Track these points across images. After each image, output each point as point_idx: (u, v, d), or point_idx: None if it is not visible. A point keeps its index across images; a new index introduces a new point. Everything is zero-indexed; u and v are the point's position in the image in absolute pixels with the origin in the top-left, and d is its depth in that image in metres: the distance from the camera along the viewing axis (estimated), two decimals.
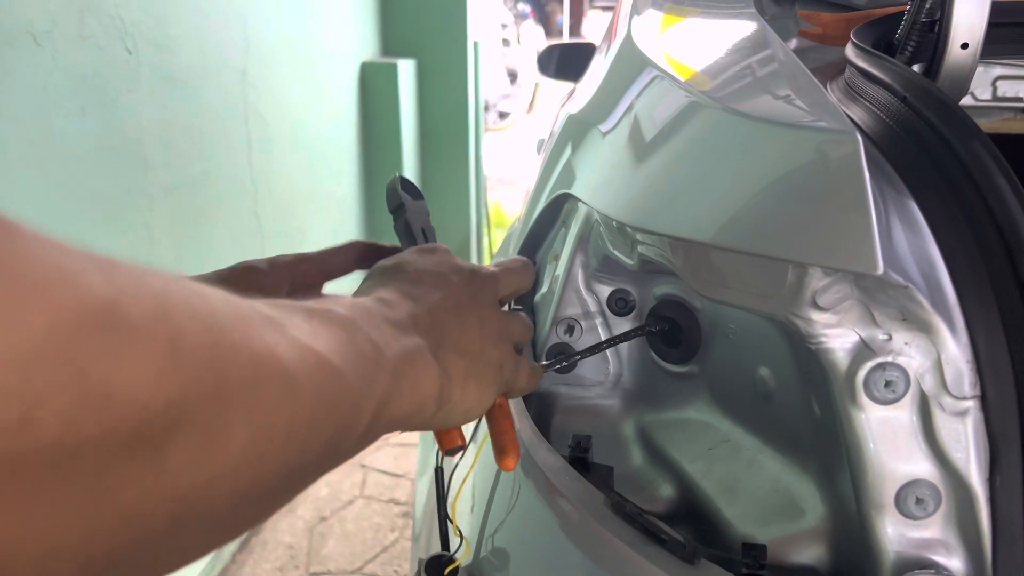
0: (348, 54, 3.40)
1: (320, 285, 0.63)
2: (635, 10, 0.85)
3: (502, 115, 7.35)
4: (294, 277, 0.60)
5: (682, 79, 0.57)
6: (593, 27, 14.60)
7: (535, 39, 9.19)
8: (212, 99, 2.32)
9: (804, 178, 0.42)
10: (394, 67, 3.54)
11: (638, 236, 0.57)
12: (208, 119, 2.31)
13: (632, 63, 0.69)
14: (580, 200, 0.67)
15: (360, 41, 3.54)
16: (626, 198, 0.54)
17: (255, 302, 0.29)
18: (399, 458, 2.80)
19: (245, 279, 0.57)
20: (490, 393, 0.46)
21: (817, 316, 0.44)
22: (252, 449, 0.25)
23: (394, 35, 3.79)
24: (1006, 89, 1.13)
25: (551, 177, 0.92)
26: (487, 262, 3.02)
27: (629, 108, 0.63)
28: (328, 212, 3.27)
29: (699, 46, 0.66)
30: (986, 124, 1.14)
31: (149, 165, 2.03)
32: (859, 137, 0.40)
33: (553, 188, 0.82)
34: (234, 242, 2.48)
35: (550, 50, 3.11)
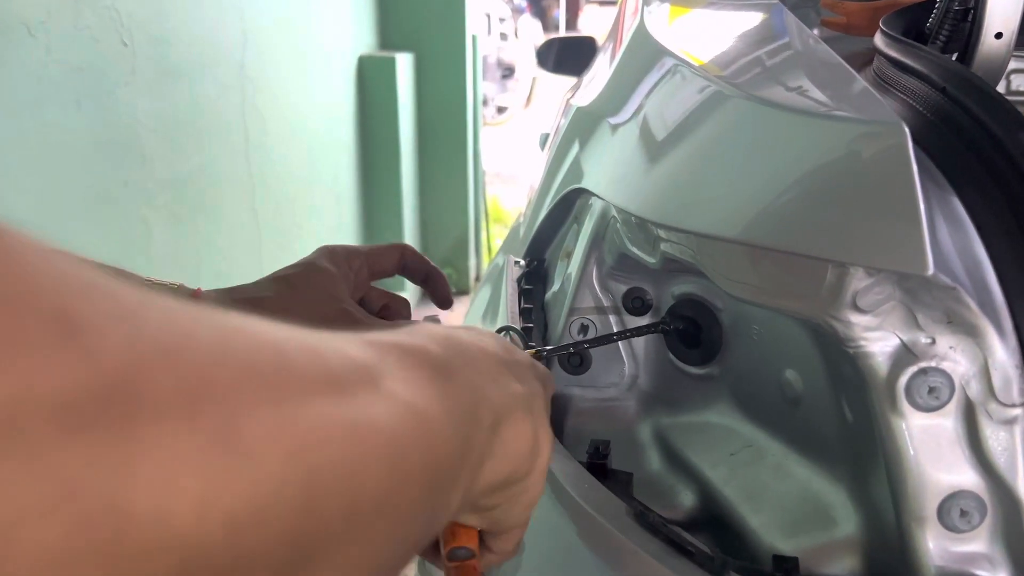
0: (346, 48, 3.37)
1: (368, 283, 0.61)
2: (647, 1, 0.82)
3: (500, 109, 7.32)
4: (353, 273, 0.58)
5: (703, 67, 0.55)
6: (590, 21, 14.57)
7: (532, 33, 9.15)
8: (209, 92, 2.29)
9: (846, 172, 0.39)
10: (392, 61, 3.51)
11: (661, 233, 0.55)
12: (205, 113, 2.28)
13: (648, 52, 0.67)
14: (596, 195, 0.65)
15: (358, 34, 3.50)
16: (649, 193, 0.52)
17: (336, 337, 0.24)
18: None
19: (307, 280, 0.56)
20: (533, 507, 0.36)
21: (857, 319, 0.42)
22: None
23: (392, 28, 3.76)
24: (1020, 83, 1.11)
25: (560, 172, 0.89)
26: (486, 259, 3.02)
27: (648, 99, 0.60)
28: (325, 207, 3.24)
29: (720, 35, 0.64)
30: None
31: (146, 159, 2.00)
32: (906, 128, 0.37)
33: (564, 183, 0.80)
34: (231, 236, 2.45)
35: (549, 44, 3.09)
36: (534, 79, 7.45)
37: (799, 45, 0.54)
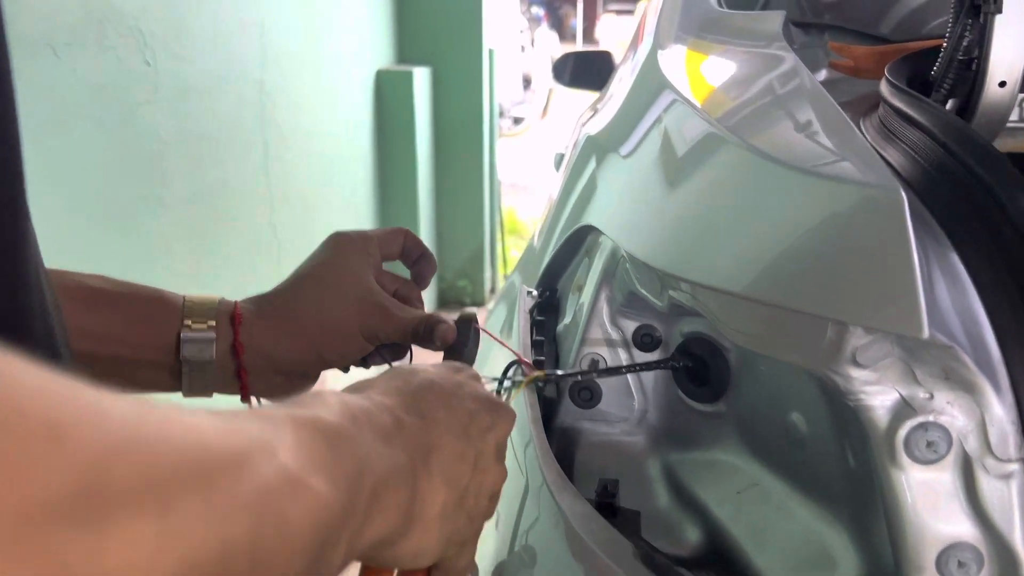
0: (363, 62, 3.40)
1: (381, 266, 0.64)
2: (660, 36, 0.84)
3: (516, 120, 7.35)
4: (368, 257, 0.62)
5: (713, 116, 0.56)
6: (607, 31, 14.60)
7: (549, 43, 9.19)
8: (229, 108, 2.33)
9: (845, 232, 0.41)
10: (409, 75, 3.54)
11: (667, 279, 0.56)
12: (225, 128, 2.32)
13: (659, 92, 0.69)
14: (606, 235, 0.67)
15: (375, 49, 3.54)
16: (655, 240, 0.54)
17: (242, 417, 0.27)
18: None
19: (335, 274, 0.60)
20: (444, 546, 0.40)
21: (856, 373, 0.43)
22: None
23: (410, 43, 3.80)
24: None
25: (571, 201, 0.91)
26: (501, 271, 3.02)
27: (654, 142, 0.62)
28: (343, 220, 3.28)
29: (729, 78, 0.65)
30: (1013, 144, 1.13)
31: (166, 175, 2.03)
32: (903, 193, 0.39)
33: (575, 217, 0.82)
34: (250, 251, 2.49)
35: (565, 58, 3.11)
36: (550, 90, 7.48)
37: (807, 95, 0.55)
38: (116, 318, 0.54)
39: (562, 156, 2.12)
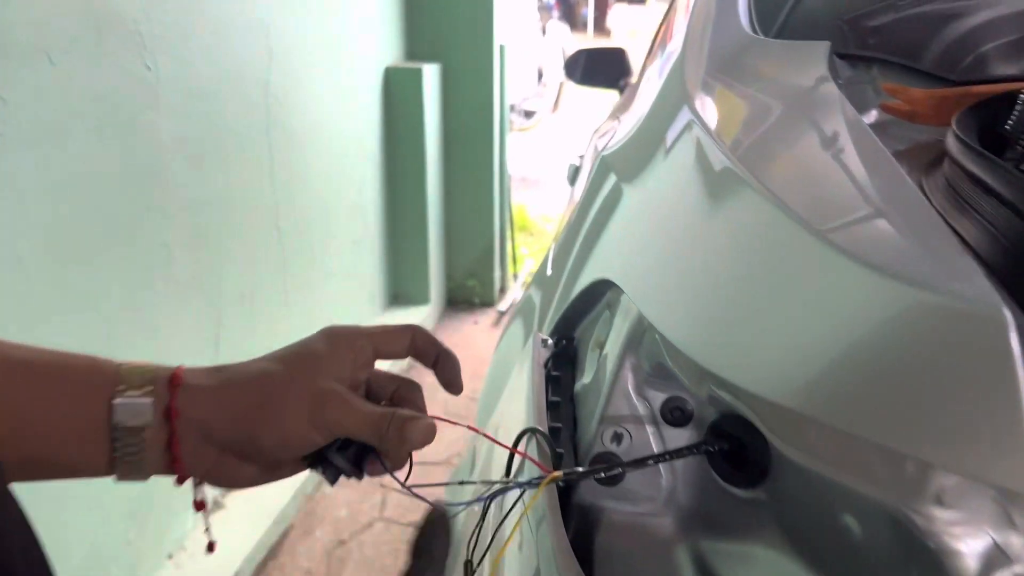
0: (372, 59, 3.33)
1: (372, 364, 0.59)
2: (687, 70, 0.77)
3: (527, 114, 7.27)
4: (353, 354, 0.57)
5: (761, 180, 0.49)
6: (618, 20, 14.44)
7: (560, 35, 9.07)
8: (234, 112, 2.27)
9: (934, 354, 0.34)
10: (419, 72, 3.47)
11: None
12: (230, 133, 2.26)
13: (696, 147, 0.62)
14: (628, 296, 0.60)
15: (384, 45, 3.47)
16: (693, 325, 0.47)
17: None
18: (421, 478, 2.72)
19: (297, 361, 0.55)
20: None
21: (940, 513, 0.36)
22: None
23: (419, 39, 3.72)
24: None
25: (590, 241, 0.84)
26: (511, 270, 2.95)
27: (695, 203, 0.55)
28: (351, 222, 3.22)
29: (776, 133, 0.58)
30: None
31: (168, 183, 1.98)
32: (1008, 315, 0.32)
33: (594, 264, 0.75)
34: (254, 256, 2.43)
35: (577, 56, 3.03)
36: (562, 83, 7.40)
37: (872, 159, 0.48)
38: (41, 392, 0.48)
39: (576, 169, 2.05)
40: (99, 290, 1.74)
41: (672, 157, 0.65)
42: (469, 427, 0.58)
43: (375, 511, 2.49)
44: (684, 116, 0.65)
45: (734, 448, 0.58)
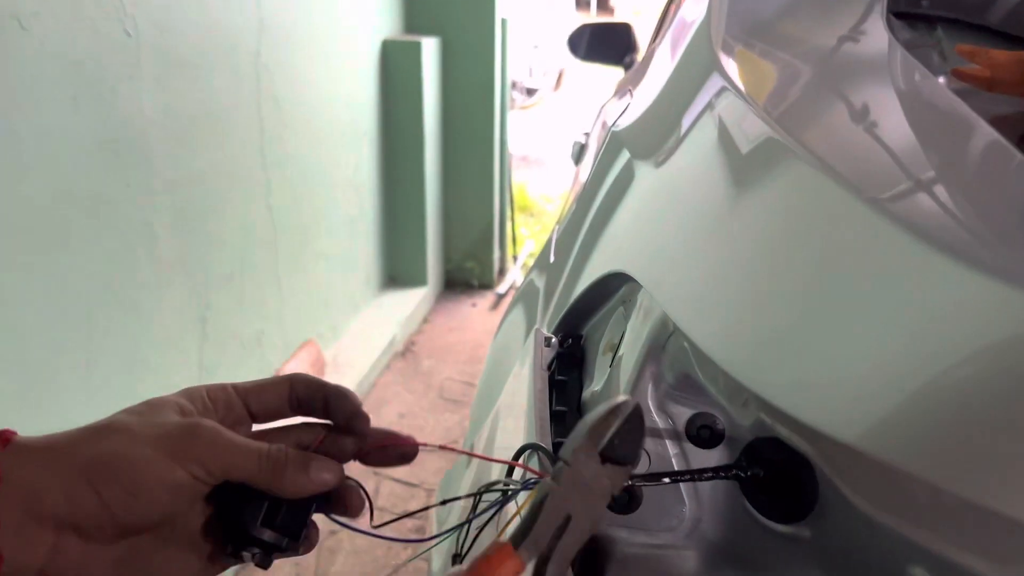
0: (368, 31, 3.22)
1: (247, 425, 0.48)
2: (712, 23, 0.67)
3: (529, 92, 7.13)
4: (219, 412, 0.46)
5: (822, 157, 0.40)
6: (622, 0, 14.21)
7: (563, 11, 8.91)
8: (222, 84, 2.16)
9: None
10: (417, 45, 3.36)
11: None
12: (217, 106, 2.15)
13: (724, 109, 0.52)
14: (653, 298, 0.51)
15: (381, 17, 3.35)
16: (738, 335, 0.38)
17: None
18: (415, 466, 2.65)
19: (154, 408, 0.43)
20: None
21: None
22: None
23: (417, 11, 3.60)
24: None
25: (600, 226, 0.75)
26: (510, 251, 2.83)
27: (731, 178, 0.46)
28: (346, 200, 3.12)
29: (828, 96, 0.49)
30: None
31: (151, 158, 1.88)
32: None
33: (606, 254, 0.66)
34: (244, 237, 2.33)
35: (580, 31, 2.91)
36: (564, 62, 7.26)
37: (959, 121, 0.39)
38: None
39: (582, 147, 1.94)
40: (77, 271, 1.65)
41: (700, 129, 0.55)
42: (442, 447, 0.49)
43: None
44: (714, 83, 0.56)
45: (773, 475, 0.49)
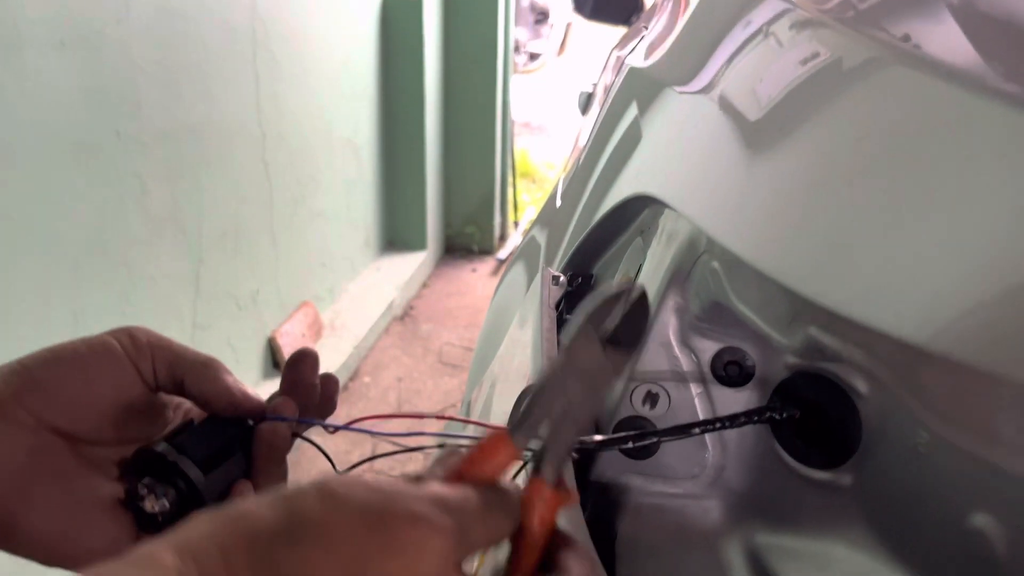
0: None
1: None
2: None
3: (532, 56, 7.01)
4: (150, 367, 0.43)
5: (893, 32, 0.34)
6: None
7: None
8: (216, 36, 2.09)
9: None
10: (418, 3, 3.27)
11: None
12: (211, 57, 2.08)
13: (791, 24, 0.46)
14: (677, 212, 0.45)
15: None
16: (792, 238, 0.32)
17: None
18: (413, 428, 2.60)
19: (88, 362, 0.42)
20: None
21: None
22: None
23: None
24: None
25: (613, 157, 0.69)
26: (511, 217, 2.72)
27: (779, 73, 0.40)
28: (344, 161, 3.05)
29: None
30: None
31: (141, 107, 1.81)
32: None
33: (621, 181, 0.60)
34: (238, 192, 2.27)
35: None
36: (569, 24, 7.13)
37: None
38: None
39: (589, 96, 1.87)
40: (61, 224, 1.59)
41: (750, 43, 0.49)
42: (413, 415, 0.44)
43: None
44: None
45: (809, 416, 0.44)
